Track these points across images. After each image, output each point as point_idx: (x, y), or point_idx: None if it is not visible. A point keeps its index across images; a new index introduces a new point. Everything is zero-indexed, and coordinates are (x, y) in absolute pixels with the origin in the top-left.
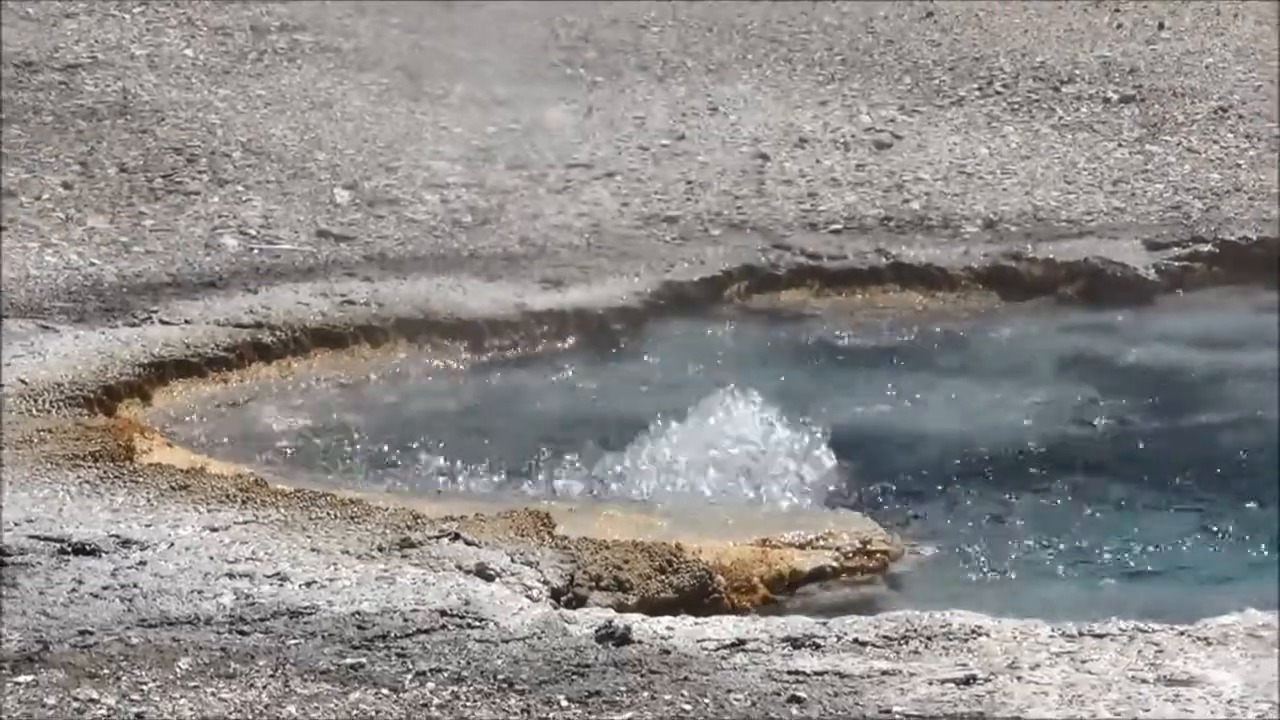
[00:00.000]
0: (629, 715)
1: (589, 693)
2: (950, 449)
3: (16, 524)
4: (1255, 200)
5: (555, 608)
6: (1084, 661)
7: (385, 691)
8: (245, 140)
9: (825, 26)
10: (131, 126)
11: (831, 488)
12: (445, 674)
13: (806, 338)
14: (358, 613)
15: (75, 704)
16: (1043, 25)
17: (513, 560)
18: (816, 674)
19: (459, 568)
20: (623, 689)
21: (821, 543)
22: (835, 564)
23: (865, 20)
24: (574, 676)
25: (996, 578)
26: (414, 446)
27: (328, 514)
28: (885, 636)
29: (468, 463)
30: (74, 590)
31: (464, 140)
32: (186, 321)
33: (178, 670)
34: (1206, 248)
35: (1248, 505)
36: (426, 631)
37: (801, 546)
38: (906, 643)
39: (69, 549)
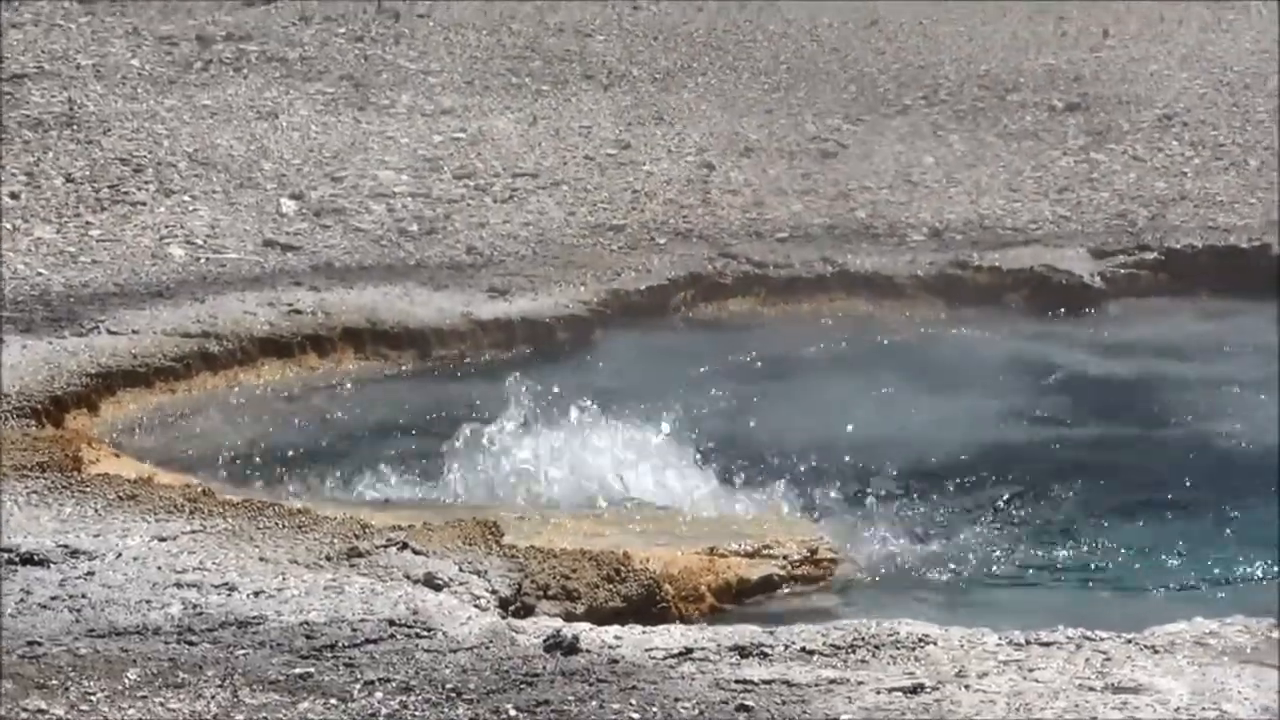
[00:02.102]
0: None
1: (537, 702)
2: (897, 457)
3: None
4: (1200, 208)
5: (503, 617)
6: (1031, 670)
7: (333, 701)
8: (191, 150)
9: (770, 35)
10: (78, 137)
11: (779, 496)
12: (393, 684)
13: (753, 346)
14: (306, 622)
15: (24, 714)
16: (987, 34)
17: (461, 569)
18: (764, 683)
19: (407, 577)
20: (571, 698)
21: (769, 551)
22: (783, 572)
23: (810, 29)
24: (522, 686)
25: (944, 586)
26: (361, 455)
27: (275, 523)
28: (833, 645)
29: (415, 471)
30: (22, 601)
31: (410, 150)
32: (134, 331)
33: (126, 680)
34: (1152, 255)
35: (1192, 512)
36: (375, 641)
37: (749, 555)
38: (854, 651)
39: (17, 559)
